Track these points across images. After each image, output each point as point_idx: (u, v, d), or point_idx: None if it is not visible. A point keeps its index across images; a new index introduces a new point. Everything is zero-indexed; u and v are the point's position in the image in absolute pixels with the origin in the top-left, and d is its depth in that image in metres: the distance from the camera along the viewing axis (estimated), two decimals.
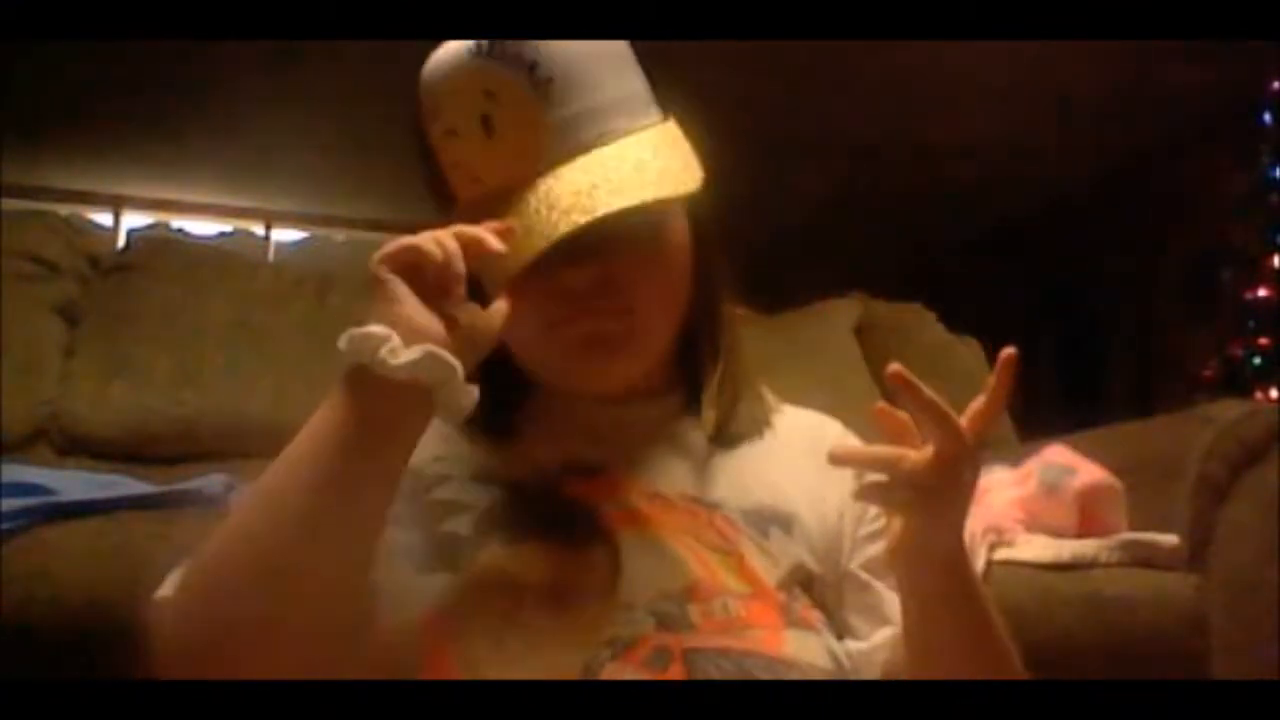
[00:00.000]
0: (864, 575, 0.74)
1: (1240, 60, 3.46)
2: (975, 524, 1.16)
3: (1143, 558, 1.15)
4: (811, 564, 0.72)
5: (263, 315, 1.70)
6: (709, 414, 0.75)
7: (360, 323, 0.59)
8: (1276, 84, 3.52)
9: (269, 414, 1.56)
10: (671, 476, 0.74)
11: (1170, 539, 1.15)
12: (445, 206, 0.71)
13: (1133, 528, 1.20)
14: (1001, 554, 1.15)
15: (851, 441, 0.80)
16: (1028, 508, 1.26)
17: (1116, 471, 1.23)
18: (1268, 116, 3.54)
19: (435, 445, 0.72)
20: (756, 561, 0.70)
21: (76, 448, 1.54)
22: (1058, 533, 1.21)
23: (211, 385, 1.60)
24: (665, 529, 0.70)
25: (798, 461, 0.77)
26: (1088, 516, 1.22)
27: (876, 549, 0.74)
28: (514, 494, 0.71)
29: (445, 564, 0.67)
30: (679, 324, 0.76)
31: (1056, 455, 1.30)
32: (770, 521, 0.72)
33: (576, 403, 0.76)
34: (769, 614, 0.68)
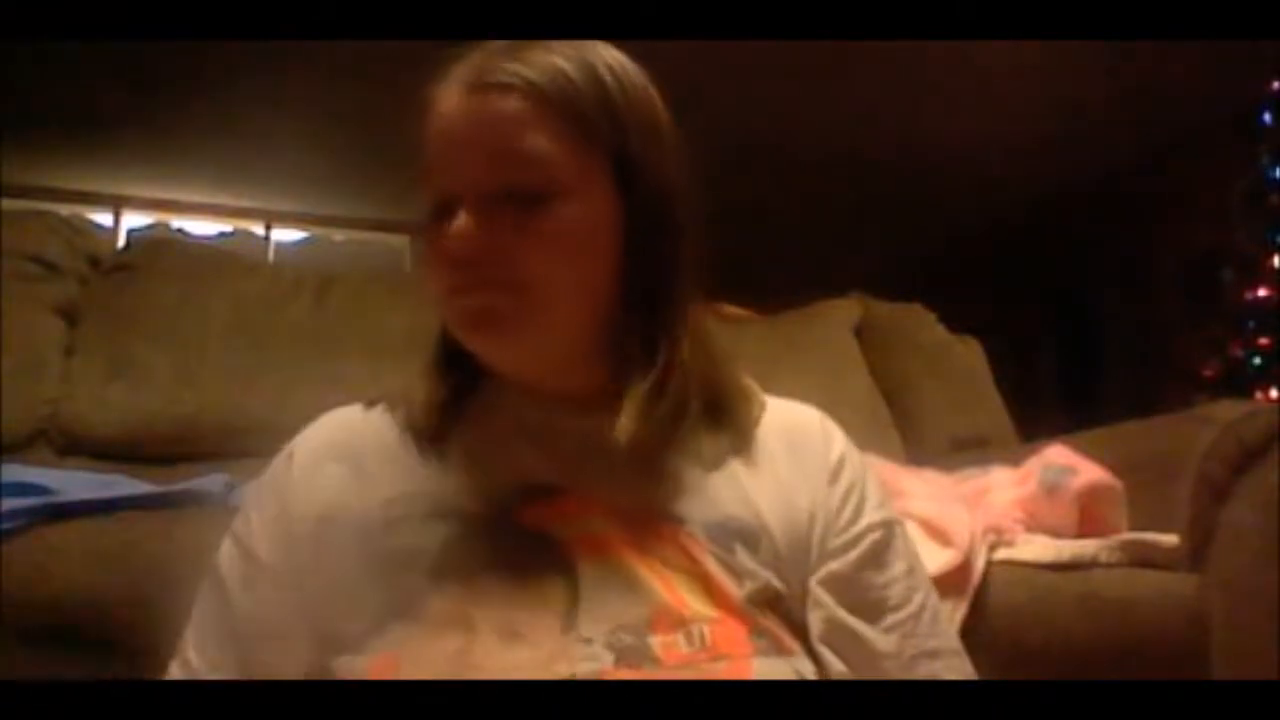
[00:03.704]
0: (820, 593, 0.70)
1: (1240, 60, 3.46)
2: (975, 524, 1.16)
3: (1143, 558, 1.14)
4: (777, 583, 0.69)
5: (263, 315, 1.70)
6: (626, 423, 0.68)
7: None
8: (1276, 84, 3.52)
9: (269, 414, 1.55)
10: (635, 490, 0.70)
11: (1170, 539, 1.14)
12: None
13: (1133, 528, 1.20)
14: (1001, 554, 1.15)
15: (835, 436, 0.78)
16: (1028, 508, 1.26)
17: (1116, 471, 1.23)
18: (1268, 116, 3.54)
19: (386, 485, 0.70)
20: (723, 580, 0.66)
21: (76, 448, 1.53)
22: (1058, 533, 1.21)
23: (211, 385, 1.60)
24: (627, 552, 0.66)
25: (771, 465, 0.74)
26: (1088, 516, 1.22)
27: (838, 564, 0.71)
28: (470, 528, 0.67)
29: (401, 615, 0.65)
30: (596, 313, 0.71)
31: (1056, 455, 1.29)
32: (735, 537, 0.69)
33: (526, 409, 0.73)
34: (737, 641, 0.65)
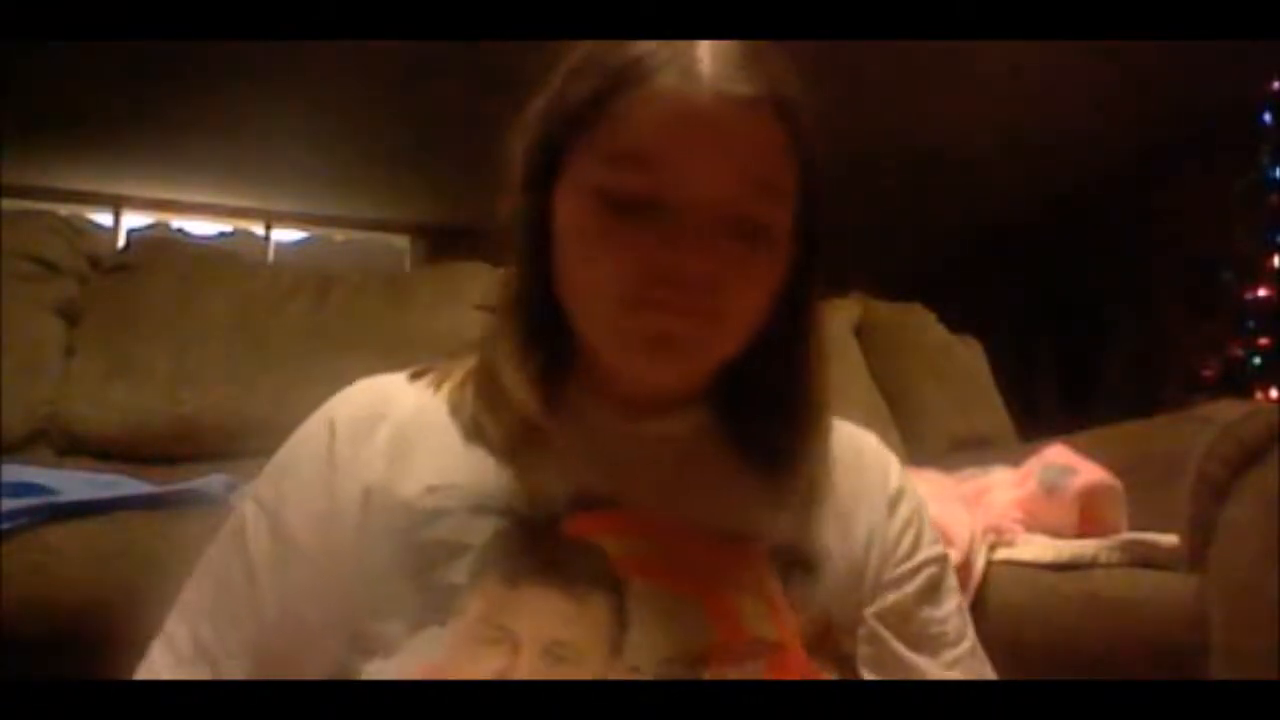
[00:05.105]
0: (878, 626, 0.69)
1: (1240, 60, 3.46)
2: (975, 524, 1.16)
3: (1143, 558, 1.14)
4: (830, 610, 0.67)
5: (263, 315, 1.70)
6: (771, 448, 0.67)
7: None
8: (1276, 84, 3.52)
9: (269, 414, 1.55)
10: (696, 504, 0.66)
11: (1170, 539, 1.14)
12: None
13: (1133, 528, 1.20)
14: (1001, 554, 1.15)
15: (893, 464, 0.76)
16: (1028, 508, 1.26)
17: (1116, 471, 1.23)
18: (1268, 116, 3.54)
19: (430, 472, 0.65)
20: (783, 607, 0.64)
21: (76, 448, 1.54)
22: (1058, 533, 1.21)
23: (211, 385, 1.60)
24: (684, 573, 0.63)
25: (831, 491, 0.71)
26: (1088, 516, 1.22)
27: (897, 596, 0.69)
28: (515, 529, 0.63)
29: (438, 615, 0.60)
30: (752, 333, 0.67)
31: (1056, 455, 1.30)
32: (794, 564, 0.66)
33: (592, 408, 0.68)
34: (792, 675, 0.62)
